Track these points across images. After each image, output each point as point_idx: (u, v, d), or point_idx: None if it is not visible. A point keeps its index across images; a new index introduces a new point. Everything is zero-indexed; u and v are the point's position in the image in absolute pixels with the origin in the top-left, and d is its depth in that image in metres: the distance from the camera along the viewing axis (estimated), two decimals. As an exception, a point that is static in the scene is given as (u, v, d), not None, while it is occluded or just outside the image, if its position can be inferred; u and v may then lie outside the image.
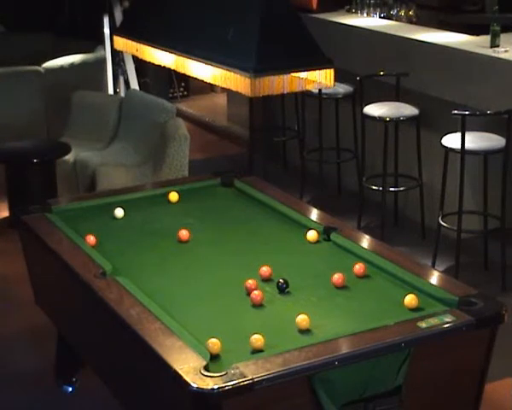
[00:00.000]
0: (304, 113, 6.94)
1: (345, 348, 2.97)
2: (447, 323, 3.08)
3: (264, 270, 3.59)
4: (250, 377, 2.76)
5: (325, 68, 3.85)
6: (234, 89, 3.80)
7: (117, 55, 8.13)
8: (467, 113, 5.23)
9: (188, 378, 2.77)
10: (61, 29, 9.25)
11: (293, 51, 3.82)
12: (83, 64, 8.08)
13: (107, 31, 8.21)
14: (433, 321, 3.08)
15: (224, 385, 2.73)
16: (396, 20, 6.92)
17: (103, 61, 8.25)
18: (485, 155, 5.45)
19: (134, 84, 8.17)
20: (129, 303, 3.32)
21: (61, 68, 8.00)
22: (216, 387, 2.72)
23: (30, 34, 9.01)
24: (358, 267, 3.60)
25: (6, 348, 4.88)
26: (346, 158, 6.87)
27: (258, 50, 3.69)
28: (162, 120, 6.48)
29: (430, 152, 6.05)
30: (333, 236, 3.94)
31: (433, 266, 5.46)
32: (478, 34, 6.03)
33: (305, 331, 3.14)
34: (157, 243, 4.05)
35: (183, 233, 4.03)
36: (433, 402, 3.18)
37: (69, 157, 6.53)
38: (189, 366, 2.84)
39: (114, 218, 4.30)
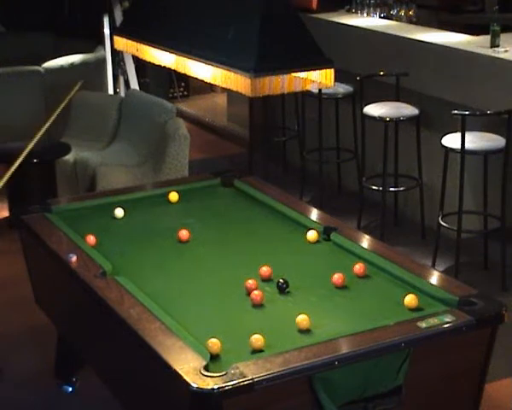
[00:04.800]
0: (304, 113, 6.94)
1: (345, 348, 2.98)
2: (447, 323, 3.08)
3: (264, 270, 3.60)
4: (250, 377, 2.76)
5: (325, 68, 3.84)
6: (234, 89, 3.80)
7: (117, 55, 8.13)
8: (467, 113, 5.23)
9: (188, 378, 2.77)
10: (61, 29, 9.25)
11: (293, 51, 3.82)
12: (83, 64, 8.08)
13: (107, 31, 8.21)
14: (433, 321, 3.09)
15: (224, 385, 2.73)
16: (396, 20, 6.92)
17: (103, 61, 8.25)
18: (485, 155, 5.45)
19: (134, 84, 8.17)
20: (129, 303, 3.32)
21: (61, 68, 8.00)
22: (216, 387, 2.72)
23: (30, 34, 9.01)
24: (358, 267, 3.60)
25: (6, 348, 4.88)
26: (346, 158, 6.87)
27: (258, 50, 3.68)
28: (162, 120, 6.48)
29: (430, 152, 6.05)
30: (333, 236, 3.94)
31: (433, 266, 5.46)
32: (478, 34, 6.03)
33: (305, 331, 3.14)
34: (157, 243, 4.05)
35: (183, 233, 4.03)
36: (433, 402, 3.18)
37: (69, 157, 6.53)
38: (189, 366, 2.84)
39: (114, 218, 4.30)
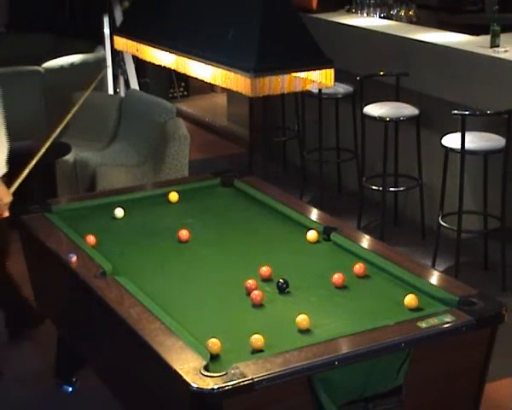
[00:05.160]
0: (304, 113, 6.94)
1: (345, 348, 2.98)
2: (447, 323, 3.08)
3: (264, 270, 3.59)
4: (250, 377, 2.76)
5: (325, 68, 3.84)
6: (234, 89, 3.80)
7: (117, 55, 8.13)
8: (467, 113, 5.23)
9: (188, 378, 2.77)
10: (61, 29, 9.25)
11: (293, 51, 3.82)
12: (83, 64, 8.07)
13: (107, 31, 8.20)
14: (433, 321, 3.09)
15: (224, 385, 2.73)
16: (396, 20, 6.92)
17: (103, 61, 8.24)
18: (485, 155, 5.45)
19: (134, 84, 8.16)
20: (129, 303, 3.32)
21: (61, 68, 7.99)
22: (216, 387, 2.72)
23: (30, 34, 9.00)
24: (358, 267, 3.60)
25: (6, 348, 4.87)
26: (346, 158, 6.87)
27: (258, 50, 3.68)
28: (162, 120, 6.47)
29: (430, 152, 6.05)
30: (333, 236, 3.94)
31: (433, 266, 5.46)
32: (478, 34, 6.03)
33: (305, 331, 3.14)
34: (157, 243, 4.05)
35: (183, 233, 4.03)
36: (433, 402, 3.18)
37: (69, 157, 6.53)
38: (189, 366, 2.84)
39: (114, 218, 4.30)
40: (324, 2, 7.26)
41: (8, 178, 4.63)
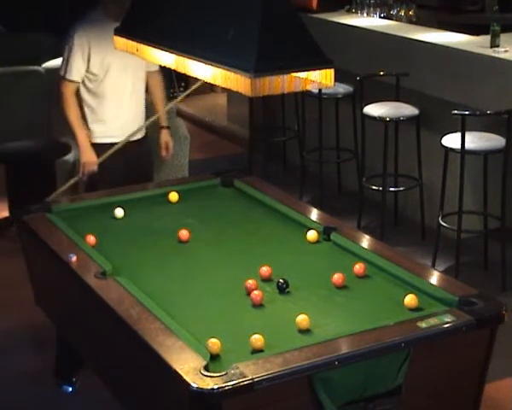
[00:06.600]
0: (304, 113, 6.94)
1: (345, 348, 2.98)
2: (447, 323, 3.08)
3: (264, 270, 3.59)
4: (250, 377, 2.76)
5: (325, 68, 3.84)
6: (234, 89, 3.79)
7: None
8: (467, 113, 5.23)
9: (188, 378, 2.77)
10: (61, 29, 9.24)
11: (293, 51, 3.82)
12: (83, 64, 8.05)
13: (107, 31, 8.19)
14: (433, 321, 3.09)
15: (224, 385, 2.73)
16: (396, 20, 6.92)
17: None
18: (485, 155, 5.45)
19: (134, 84, 8.14)
20: (129, 303, 3.32)
21: (61, 68, 7.98)
22: (216, 387, 2.72)
23: (30, 34, 9.00)
24: (358, 267, 3.60)
25: (6, 348, 4.88)
26: (346, 158, 6.87)
27: (258, 50, 3.68)
28: (162, 120, 6.46)
29: (430, 152, 6.05)
30: (333, 236, 3.94)
31: (433, 266, 5.46)
32: (478, 34, 6.03)
33: (305, 331, 3.14)
34: (157, 243, 4.05)
35: (183, 233, 4.03)
36: (433, 402, 3.18)
37: (69, 157, 6.53)
38: (189, 366, 2.84)
39: (114, 218, 4.30)
40: (324, 2, 7.26)
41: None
